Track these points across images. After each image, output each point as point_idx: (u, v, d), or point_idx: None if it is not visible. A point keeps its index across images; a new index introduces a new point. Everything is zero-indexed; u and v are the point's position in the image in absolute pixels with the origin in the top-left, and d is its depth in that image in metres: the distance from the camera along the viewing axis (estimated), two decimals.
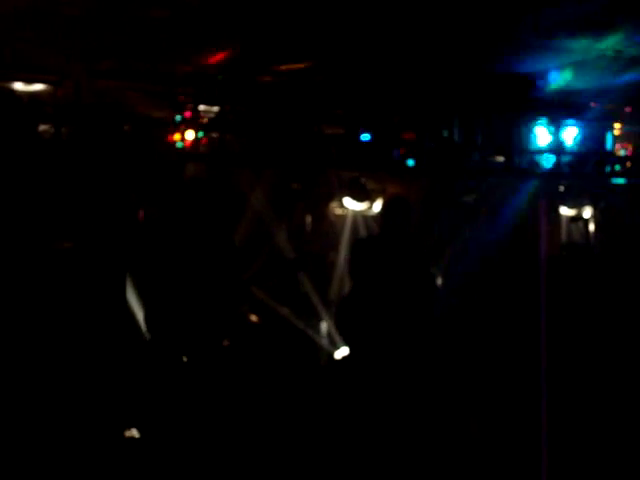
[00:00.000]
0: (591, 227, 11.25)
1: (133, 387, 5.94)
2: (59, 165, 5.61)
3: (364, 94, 7.55)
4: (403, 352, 6.49)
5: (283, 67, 7.02)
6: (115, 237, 5.83)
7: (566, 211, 11.23)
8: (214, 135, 7.17)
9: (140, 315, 7.76)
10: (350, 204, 10.89)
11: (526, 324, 7.98)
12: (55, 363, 5.59)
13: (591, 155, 8.61)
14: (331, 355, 9.37)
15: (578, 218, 10.98)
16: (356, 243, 7.21)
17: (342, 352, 8.01)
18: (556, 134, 8.39)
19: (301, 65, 7.03)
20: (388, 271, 6.77)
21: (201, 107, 6.93)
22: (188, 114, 6.97)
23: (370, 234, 8.11)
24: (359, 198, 10.52)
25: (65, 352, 5.65)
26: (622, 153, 9.11)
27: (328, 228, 11.45)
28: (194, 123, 6.79)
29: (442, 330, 7.46)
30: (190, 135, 6.95)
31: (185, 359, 5.72)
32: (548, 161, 8.53)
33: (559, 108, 8.14)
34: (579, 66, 7.07)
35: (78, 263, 5.69)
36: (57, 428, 5.44)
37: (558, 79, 7.27)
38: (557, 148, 8.41)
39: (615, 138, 9.03)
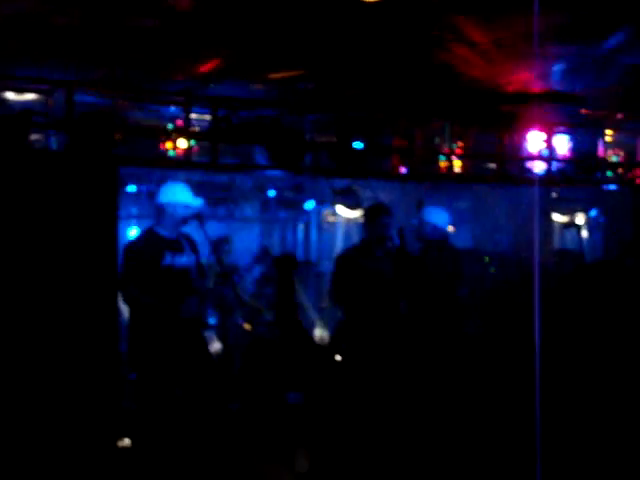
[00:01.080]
0: (584, 233, 11.28)
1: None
2: (49, 175, 5.59)
3: (356, 102, 7.57)
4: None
5: (275, 75, 7.04)
6: (105, 247, 5.82)
7: (559, 218, 11.26)
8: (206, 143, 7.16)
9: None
10: (343, 212, 10.92)
11: (520, 331, 7.98)
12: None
13: (583, 162, 8.62)
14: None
15: (571, 225, 11.01)
16: (339, 259, 7.31)
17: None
18: (548, 141, 8.40)
19: (293, 73, 7.05)
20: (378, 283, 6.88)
21: (193, 115, 6.93)
22: (180, 122, 6.97)
23: (349, 248, 8.12)
24: (351, 206, 10.54)
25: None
26: (614, 159, 9.13)
27: (321, 236, 11.48)
28: (186, 131, 6.79)
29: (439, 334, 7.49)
30: (182, 143, 6.94)
31: None
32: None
33: (550, 115, 8.16)
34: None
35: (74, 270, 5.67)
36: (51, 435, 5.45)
37: None
38: (549, 155, 8.42)
39: (607, 144, 9.05)
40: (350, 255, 7.54)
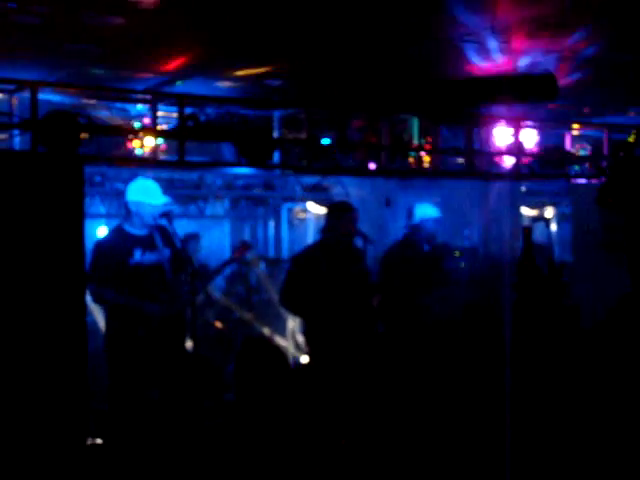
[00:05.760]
0: (553, 227, 11.36)
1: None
2: (14, 175, 5.55)
3: (324, 98, 7.58)
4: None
5: (241, 72, 7.02)
6: (71, 246, 5.78)
7: (528, 211, 11.33)
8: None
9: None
10: (313, 208, 10.92)
11: (489, 325, 8.01)
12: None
13: (551, 156, 8.68)
14: (296, 359, 9.38)
15: (540, 218, 11.09)
16: (296, 260, 7.16)
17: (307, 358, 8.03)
18: (515, 135, 8.45)
19: (260, 70, 7.03)
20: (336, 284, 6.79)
21: (160, 113, 6.90)
22: (147, 120, 6.93)
23: (307, 248, 7.97)
24: (322, 202, 10.53)
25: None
26: (582, 153, 9.20)
27: (292, 233, 11.47)
28: (153, 129, 6.75)
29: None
30: (149, 142, 6.90)
31: None
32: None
33: (517, 109, 8.21)
34: None
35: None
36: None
37: None
38: (517, 149, 8.48)
39: (574, 139, 9.11)
40: (310, 255, 7.40)
